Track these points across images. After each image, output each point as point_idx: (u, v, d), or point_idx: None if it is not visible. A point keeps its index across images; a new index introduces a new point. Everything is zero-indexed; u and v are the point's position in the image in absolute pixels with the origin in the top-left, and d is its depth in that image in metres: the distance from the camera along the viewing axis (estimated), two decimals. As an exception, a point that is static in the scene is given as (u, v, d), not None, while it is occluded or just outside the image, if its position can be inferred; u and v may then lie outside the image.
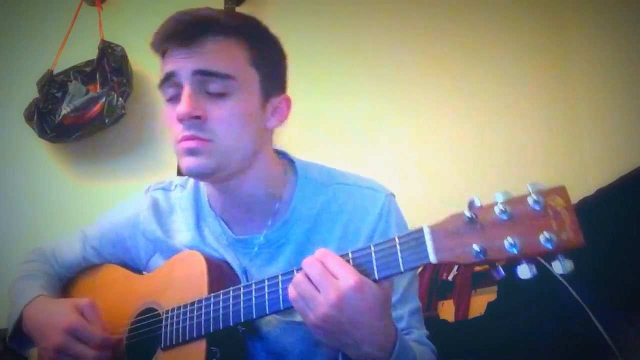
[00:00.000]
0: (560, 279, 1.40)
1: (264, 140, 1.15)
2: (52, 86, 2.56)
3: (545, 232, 0.74)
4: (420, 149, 2.73)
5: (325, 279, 0.87)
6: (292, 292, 0.91)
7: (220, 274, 1.13)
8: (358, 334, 0.88)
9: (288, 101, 1.17)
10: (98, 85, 2.54)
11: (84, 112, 2.48)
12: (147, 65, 2.66)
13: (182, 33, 1.06)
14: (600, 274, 1.42)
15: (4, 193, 2.63)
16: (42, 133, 2.52)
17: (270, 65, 1.13)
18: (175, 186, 1.29)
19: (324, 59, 2.75)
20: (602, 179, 1.60)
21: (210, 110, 1.05)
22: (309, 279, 0.89)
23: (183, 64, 1.06)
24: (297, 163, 1.22)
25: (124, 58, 2.56)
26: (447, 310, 2.08)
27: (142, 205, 1.28)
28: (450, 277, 2.11)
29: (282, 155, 1.23)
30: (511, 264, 0.79)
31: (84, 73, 2.58)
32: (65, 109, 2.49)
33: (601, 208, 1.53)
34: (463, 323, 1.92)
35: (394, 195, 1.21)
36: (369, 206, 1.16)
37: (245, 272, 1.16)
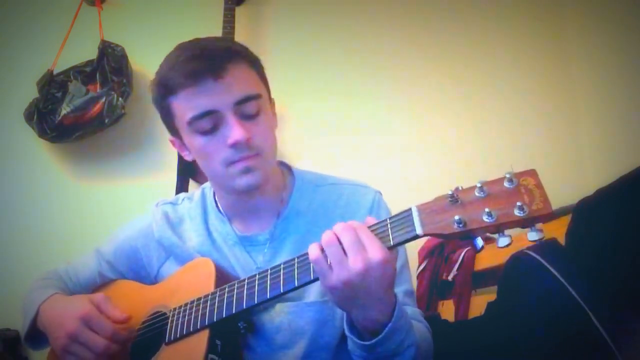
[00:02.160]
0: (557, 275, 1.41)
1: None
2: (52, 86, 2.56)
3: (518, 203, 0.85)
4: (419, 149, 2.73)
5: (356, 247, 0.93)
6: (316, 251, 0.96)
7: (227, 277, 1.18)
8: (368, 301, 0.96)
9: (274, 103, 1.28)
10: (98, 85, 2.54)
11: (84, 112, 2.48)
12: (147, 65, 2.67)
13: (213, 68, 1.11)
14: (600, 274, 1.42)
15: (4, 193, 2.64)
16: (42, 133, 2.52)
17: (264, 74, 1.24)
18: (183, 200, 1.39)
19: (323, 59, 2.75)
20: (602, 179, 1.59)
21: (252, 129, 1.14)
22: (339, 242, 0.94)
23: (221, 98, 1.12)
24: (293, 169, 1.35)
25: (124, 58, 2.56)
26: (447, 310, 2.08)
27: (153, 217, 1.36)
28: (450, 277, 2.11)
29: (280, 164, 1.34)
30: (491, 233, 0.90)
31: (84, 73, 2.58)
32: (65, 109, 2.49)
33: (601, 208, 1.52)
34: (463, 323, 1.92)
35: (381, 193, 1.32)
36: (360, 200, 1.28)
37: (252, 268, 1.23)
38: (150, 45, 2.67)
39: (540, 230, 0.86)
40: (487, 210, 0.86)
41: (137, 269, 1.35)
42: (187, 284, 1.21)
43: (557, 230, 1.50)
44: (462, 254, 2.08)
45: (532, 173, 0.87)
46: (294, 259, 1.04)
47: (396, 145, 2.72)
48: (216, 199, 1.33)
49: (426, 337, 1.17)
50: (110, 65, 2.54)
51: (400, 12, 2.79)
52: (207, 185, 1.37)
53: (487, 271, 1.96)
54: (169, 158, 2.57)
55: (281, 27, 2.74)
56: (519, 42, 2.77)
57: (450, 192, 0.91)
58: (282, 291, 1.03)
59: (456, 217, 0.88)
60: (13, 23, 2.70)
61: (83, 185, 2.67)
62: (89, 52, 2.60)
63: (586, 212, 1.55)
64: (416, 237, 0.92)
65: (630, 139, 2.32)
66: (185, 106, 1.14)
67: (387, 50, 2.76)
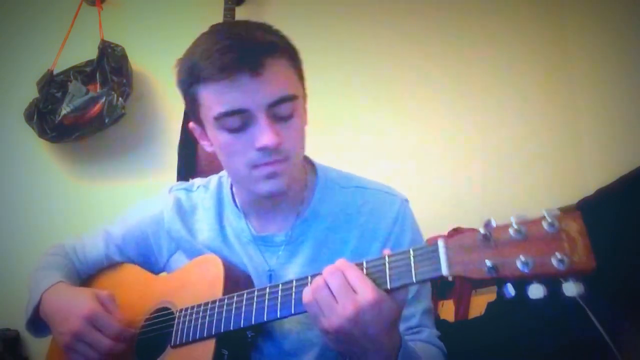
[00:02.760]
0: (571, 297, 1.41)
1: None
2: (52, 86, 2.56)
3: (557, 253, 0.75)
4: (419, 149, 2.73)
5: (344, 292, 0.88)
6: (308, 296, 0.91)
7: (237, 279, 1.15)
8: (367, 345, 0.89)
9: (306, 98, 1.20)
10: (98, 85, 2.55)
11: (84, 112, 2.48)
12: (147, 65, 2.67)
13: (250, 63, 1.02)
14: (600, 274, 1.42)
15: (4, 193, 2.64)
16: (42, 133, 2.52)
17: (302, 69, 1.15)
18: (198, 187, 1.32)
19: (323, 59, 2.75)
20: (602, 179, 1.60)
21: (282, 133, 1.06)
22: (328, 287, 0.89)
23: (255, 97, 1.03)
24: (317, 166, 1.26)
25: (124, 58, 2.56)
26: (447, 310, 2.08)
27: (165, 204, 1.31)
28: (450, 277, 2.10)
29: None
30: (522, 282, 0.80)
31: (84, 73, 2.58)
32: (65, 109, 2.49)
33: (601, 208, 1.53)
34: (463, 323, 1.92)
35: (408, 201, 1.24)
36: (385, 209, 1.19)
37: (265, 269, 1.19)
38: (150, 45, 2.68)
39: (580, 283, 0.77)
40: (522, 258, 0.76)
41: (147, 254, 1.32)
42: (194, 282, 1.18)
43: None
44: (462, 254, 2.07)
45: (576, 217, 0.78)
46: (307, 278, 0.97)
47: (396, 146, 2.72)
48: (233, 191, 1.26)
49: None
50: (110, 65, 2.54)
51: (401, 12, 2.79)
52: (224, 174, 1.30)
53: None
54: (169, 158, 2.56)
55: (281, 27, 2.73)
56: (519, 42, 2.76)
57: (482, 231, 0.81)
58: (292, 312, 0.98)
59: (488, 262, 0.79)
60: (13, 23, 2.70)
61: (83, 185, 2.67)
62: (89, 52, 2.60)
63: (586, 212, 1.55)
64: (442, 278, 0.83)
65: (630, 139, 2.32)
66: (214, 99, 1.05)
67: (387, 50, 2.76)
